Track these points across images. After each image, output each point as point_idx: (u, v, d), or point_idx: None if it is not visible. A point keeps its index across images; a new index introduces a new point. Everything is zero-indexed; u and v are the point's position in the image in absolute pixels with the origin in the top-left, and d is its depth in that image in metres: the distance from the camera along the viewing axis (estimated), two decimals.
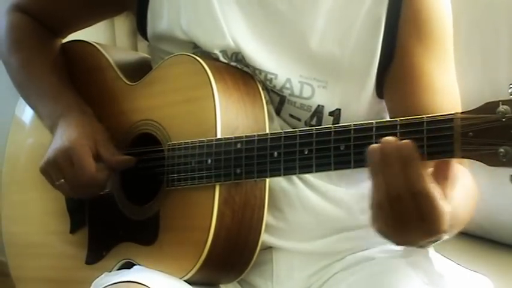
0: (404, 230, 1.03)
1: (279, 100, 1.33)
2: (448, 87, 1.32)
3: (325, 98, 1.31)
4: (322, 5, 1.31)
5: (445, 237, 1.10)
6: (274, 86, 1.32)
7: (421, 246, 1.14)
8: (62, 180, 1.37)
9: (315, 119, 1.32)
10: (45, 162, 1.39)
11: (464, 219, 1.22)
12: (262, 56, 1.32)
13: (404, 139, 1.02)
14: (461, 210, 1.17)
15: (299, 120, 1.33)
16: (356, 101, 1.32)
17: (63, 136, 1.38)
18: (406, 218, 1.01)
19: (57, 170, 1.37)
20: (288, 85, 1.32)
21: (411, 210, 1.01)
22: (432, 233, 1.04)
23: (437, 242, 1.12)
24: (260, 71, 1.33)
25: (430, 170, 1.04)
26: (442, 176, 1.04)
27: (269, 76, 1.32)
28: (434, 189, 1.01)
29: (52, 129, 1.43)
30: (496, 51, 1.67)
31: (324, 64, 1.31)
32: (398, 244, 1.07)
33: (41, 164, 1.40)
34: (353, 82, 1.31)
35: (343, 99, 1.31)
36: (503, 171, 0.98)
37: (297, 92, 1.32)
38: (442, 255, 1.34)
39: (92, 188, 1.37)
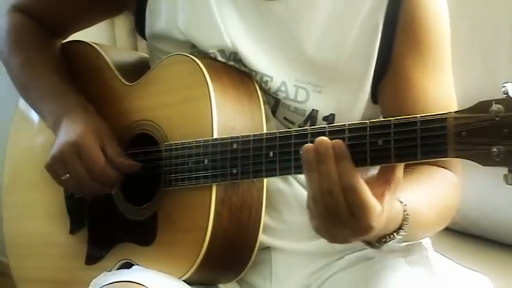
0: (336, 225, 1.05)
1: (273, 102, 1.33)
2: (440, 98, 1.30)
3: (319, 102, 1.31)
4: (319, 10, 1.30)
5: (399, 238, 1.13)
6: (270, 89, 1.32)
7: (372, 245, 1.15)
8: (68, 176, 1.36)
9: (308, 124, 1.31)
10: (51, 158, 1.38)
11: (432, 223, 1.25)
12: (258, 58, 1.32)
13: (398, 139, 1.03)
14: (424, 213, 1.19)
15: (293, 124, 1.33)
16: (351, 107, 1.31)
17: (69, 131, 1.37)
18: (338, 211, 1.03)
19: (63, 164, 1.36)
20: (283, 88, 1.32)
21: (342, 203, 1.03)
22: (361, 229, 1.05)
23: (388, 243, 1.14)
24: (256, 72, 1.32)
25: (374, 173, 1.06)
26: (384, 179, 1.05)
27: (265, 78, 1.32)
28: (363, 185, 1.03)
29: (55, 127, 1.42)
30: (496, 51, 1.67)
31: (320, 69, 1.31)
32: (332, 242, 1.09)
33: (47, 160, 1.38)
34: (348, 88, 1.31)
35: (337, 105, 1.31)
36: (502, 170, 0.97)
37: (291, 95, 1.31)
38: (441, 254, 1.34)
39: (101, 182, 1.36)
